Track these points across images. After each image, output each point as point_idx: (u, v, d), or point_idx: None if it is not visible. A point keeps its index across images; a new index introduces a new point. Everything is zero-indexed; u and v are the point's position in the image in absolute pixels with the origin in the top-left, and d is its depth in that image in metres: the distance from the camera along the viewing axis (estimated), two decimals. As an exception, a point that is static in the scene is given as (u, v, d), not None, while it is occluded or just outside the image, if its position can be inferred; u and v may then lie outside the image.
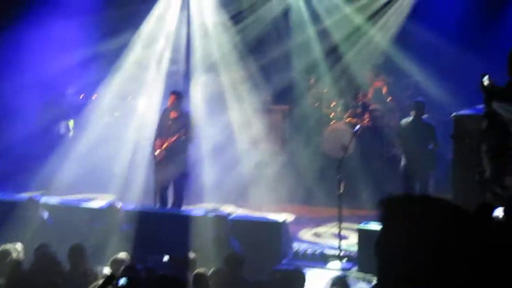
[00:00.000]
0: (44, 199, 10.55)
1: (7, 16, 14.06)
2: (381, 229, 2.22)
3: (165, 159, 11.10)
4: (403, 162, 11.57)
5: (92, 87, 14.41)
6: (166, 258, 8.34)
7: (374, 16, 14.43)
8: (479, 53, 12.64)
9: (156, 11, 14.46)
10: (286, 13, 14.93)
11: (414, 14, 14.01)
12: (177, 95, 11.35)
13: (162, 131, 11.18)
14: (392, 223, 2.21)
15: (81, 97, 14.65)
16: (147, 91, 13.98)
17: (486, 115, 7.44)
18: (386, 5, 14.37)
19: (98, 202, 11.03)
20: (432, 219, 2.18)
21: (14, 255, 7.86)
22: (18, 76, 13.77)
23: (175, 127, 11.16)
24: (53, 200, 10.89)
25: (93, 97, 14.37)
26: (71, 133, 13.89)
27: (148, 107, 13.62)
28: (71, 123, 13.14)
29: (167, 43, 14.42)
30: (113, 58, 14.14)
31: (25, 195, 10.68)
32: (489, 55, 11.57)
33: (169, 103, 11.27)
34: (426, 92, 13.06)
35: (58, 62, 13.65)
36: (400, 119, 12.25)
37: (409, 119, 11.60)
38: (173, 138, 11.09)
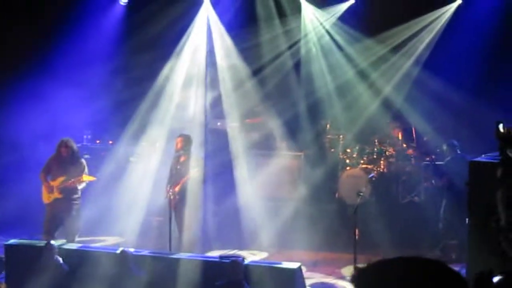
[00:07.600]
0: (59, 244, 10.53)
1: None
2: None
3: (179, 202, 11.15)
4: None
5: (108, 132, 14.51)
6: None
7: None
8: (492, 101, 12.68)
9: (170, 63, 14.51)
10: (299, 62, 15.01)
11: (427, 63, 14.12)
12: (184, 138, 11.41)
13: (172, 176, 11.23)
14: None
15: (97, 142, 14.76)
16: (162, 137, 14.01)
17: (502, 163, 7.39)
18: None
19: (110, 247, 10.99)
20: None
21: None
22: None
23: (184, 171, 11.21)
24: (68, 245, 10.89)
25: (109, 143, 14.46)
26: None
27: (162, 153, 13.66)
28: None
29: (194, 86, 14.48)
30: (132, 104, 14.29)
31: (41, 240, 10.66)
32: (503, 103, 11.66)
33: (177, 146, 11.33)
34: (444, 138, 13.04)
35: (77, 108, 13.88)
36: (415, 165, 12.15)
37: (449, 157, 11.93)
38: (183, 180, 11.14)
